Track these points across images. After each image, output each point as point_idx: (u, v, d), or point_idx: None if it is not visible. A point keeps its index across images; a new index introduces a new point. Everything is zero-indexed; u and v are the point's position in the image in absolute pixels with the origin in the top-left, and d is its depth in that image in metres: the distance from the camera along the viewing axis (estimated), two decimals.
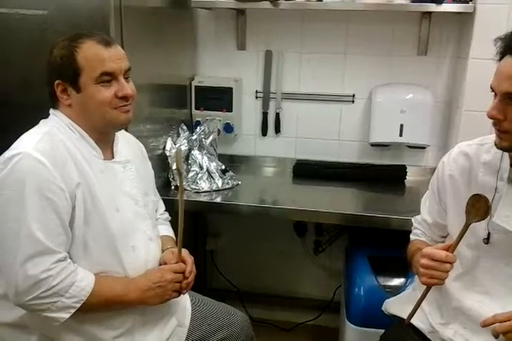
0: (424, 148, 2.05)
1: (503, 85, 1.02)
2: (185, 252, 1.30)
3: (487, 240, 1.15)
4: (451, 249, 1.11)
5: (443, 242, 1.27)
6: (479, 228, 1.15)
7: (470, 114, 1.85)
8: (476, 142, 1.22)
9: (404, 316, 1.27)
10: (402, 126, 1.99)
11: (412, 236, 1.38)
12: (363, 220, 1.68)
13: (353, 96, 2.11)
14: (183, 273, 1.25)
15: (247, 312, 2.20)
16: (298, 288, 2.37)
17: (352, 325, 1.61)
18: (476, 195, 1.08)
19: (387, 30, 2.03)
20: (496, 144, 1.09)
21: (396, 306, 1.33)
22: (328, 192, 1.95)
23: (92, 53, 1.13)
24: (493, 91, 1.06)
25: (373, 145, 2.07)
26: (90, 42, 1.13)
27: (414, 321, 1.26)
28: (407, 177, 2.05)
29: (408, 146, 2.05)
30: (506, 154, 1.13)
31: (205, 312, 1.39)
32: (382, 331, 1.35)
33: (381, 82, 2.07)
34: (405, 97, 2.00)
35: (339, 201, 1.85)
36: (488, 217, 1.11)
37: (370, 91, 2.07)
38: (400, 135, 2.00)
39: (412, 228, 1.40)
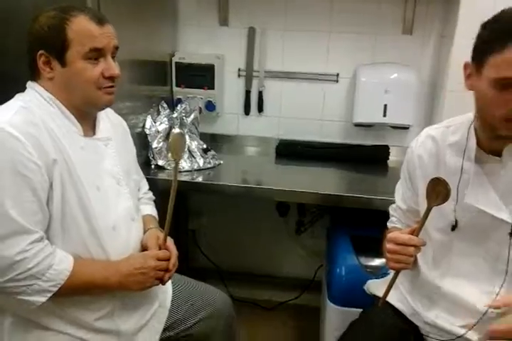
0: (407, 128, 2.04)
1: None
2: (170, 242, 1.27)
3: (454, 226, 1.14)
4: (415, 232, 1.09)
5: None
6: (449, 211, 1.15)
7: (454, 94, 1.84)
8: (442, 125, 1.22)
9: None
10: (385, 106, 1.97)
11: (388, 224, 1.38)
12: (345, 200, 1.67)
13: (337, 75, 2.08)
14: (167, 260, 1.22)
15: (229, 291, 2.20)
16: (280, 268, 2.37)
17: (332, 305, 1.61)
18: (436, 178, 1.05)
19: (372, 9, 1.99)
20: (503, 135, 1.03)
21: (379, 287, 1.33)
22: (310, 172, 1.94)
23: (83, 28, 1.08)
24: (505, 81, 0.98)
25: (357, 125, 2.05)
26: (83, 17, 1.08)
27: (396, 303, 1.27)
28: (389, 157, 2.05)
29: (391, 126, 2.04)
30: (472, 134, 1.12)
31: (186, 292, 1.38)
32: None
33: (365, 61, 2.04)
34: (389, 77, 1.98)
35: (322, 181, 1.84)
36: (455, 201, 1.11)
37: (354, 70, 2.04)
38: (384, 115, 1.98)
39: (390, 216, 1.39)
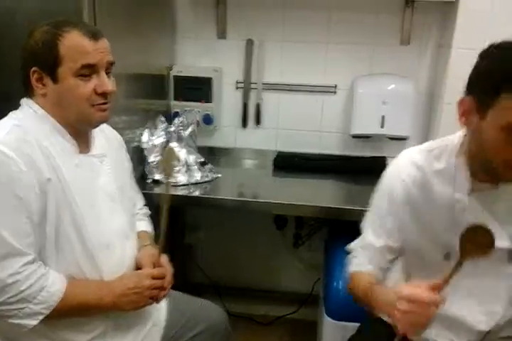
0: (404, 139, 2.03)
1: None
2: (164, 259, 1.26)
3: (448, 257, 1.06)
4: (437, 289, 0.92)
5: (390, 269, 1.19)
6: (443, 243, 1.07)
7: (452, 106, 1.82)
8: (424, 149, 1.11)
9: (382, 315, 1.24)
10: (383, 117, 1.96)
11: (352, 268, 1.19)
12: (343, 213, 1.66)
13: (335, 86, 2.08)
14: (163, 278, 1.20)
15: (225, 306, 2.17)
16: (277, 282, 2.36)
17: (330, 319, 1.60)
18: (475, 226, 0.91)
19: (370, 19, 2.00)
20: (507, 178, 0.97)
21: None
22: (309, 184, 1.93)
23: (75, 44, 1.06)
24: None
25: (355, 136, 2.05)
26: (76, 33, 1.07)
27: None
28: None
29: (389, 138, 2.03)
30: (461, 162, 1.03)
31: (181, 308, 1.36)
32: None
33: (363, 73, 2.04)
34: (387, 88, 1.98)
35: (320, 194, 1.83)
36: (450, 233, 1.00)
37: (352, 81, 2.04)
38: (382, 126, 1.97)
39: (350, 257, 1.22)
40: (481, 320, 1.08)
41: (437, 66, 1.97)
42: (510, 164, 0.93)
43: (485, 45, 1.80)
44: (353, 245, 1.23)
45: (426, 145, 1.12)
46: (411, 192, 1.10)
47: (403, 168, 1.11)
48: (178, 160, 1.79)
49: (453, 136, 1.08)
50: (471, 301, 1.10)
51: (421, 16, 1.96)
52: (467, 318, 1.10)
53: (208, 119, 2.09)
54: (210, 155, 2.13)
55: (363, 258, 1.18)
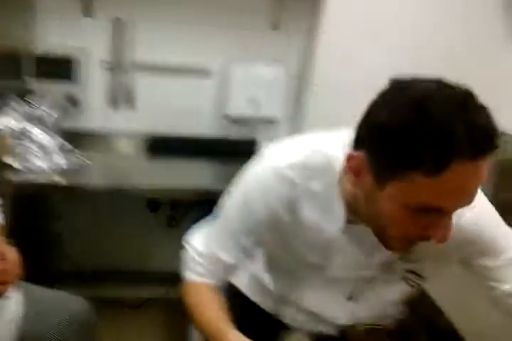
0: (276, 121, 2.08)
1: (469, 198, 0.72)
2: (9, 250, 1.13)
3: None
4: None
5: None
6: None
7: (320, 88, 1.92)
8: (298, 163, 0.89)
9: (246, 291, 1.22)
10: (256, 100, 2.01)
11: (193, 275, 1.02)
12: (215, 194, 1.65)
13: (209, 69, 2.07)
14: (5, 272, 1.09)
15: (95, 292, 2.07)
16: (149, 263, 2.30)
17: None
18: (376, 328, 0.84)
19: (241, 3, 1.99)
20: (393, 248, 0.85)
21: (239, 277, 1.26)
22: (182, 167, 1.91)
23: None
24: (429, 210, 0.72)
25: (229, 119, 2.07)
26: None
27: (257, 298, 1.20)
28: (259, 150, 2.07)
29: (261, 120, 2.07)
30: (336, 192, 0.87)
31: (37, 301, 1.25)
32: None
33: (237, 56, 2.05)
34: (260, 72, 2.02)
35: (193, 176, 1.83)
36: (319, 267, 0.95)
37: (226, 65, 2.04)
38: (255, 109, 2.01)
39: (190, 256, 1.03)
40: (339, 316, 1.05)
41: (306, 50, 2.03)
42: (406, 237, 0.79)
43: (351, 31, 1.91)
44: (196, 243, 1.04)
45: (298, 157, 0.89)
46: (276, 210, 0.92)
47: (270, 184, 0.91)
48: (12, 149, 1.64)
49: (336, 148, 0.86)
50: (327, 298, 1.05)
51: (291, 1, 1.98)
52: (326, 314, 1.06)
53: (73, 101, 1.97)
54: (77, 139, 1.99)
55: (205, 271, 1.01)
